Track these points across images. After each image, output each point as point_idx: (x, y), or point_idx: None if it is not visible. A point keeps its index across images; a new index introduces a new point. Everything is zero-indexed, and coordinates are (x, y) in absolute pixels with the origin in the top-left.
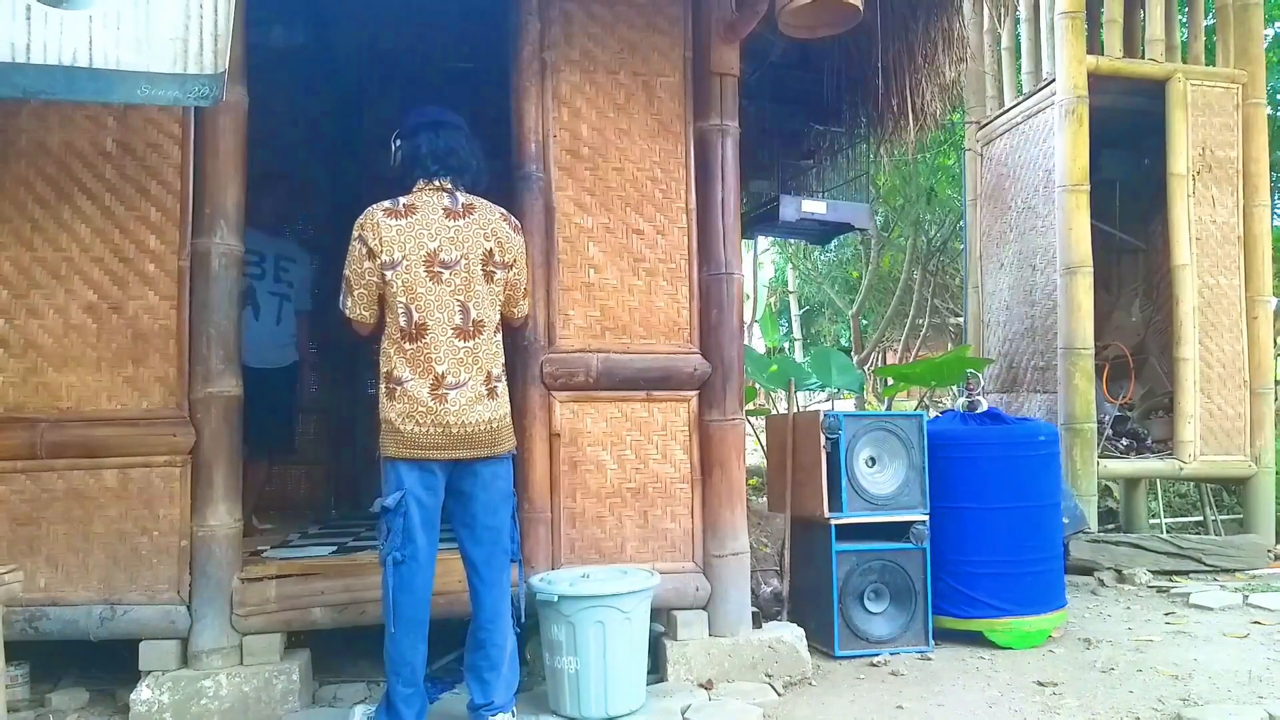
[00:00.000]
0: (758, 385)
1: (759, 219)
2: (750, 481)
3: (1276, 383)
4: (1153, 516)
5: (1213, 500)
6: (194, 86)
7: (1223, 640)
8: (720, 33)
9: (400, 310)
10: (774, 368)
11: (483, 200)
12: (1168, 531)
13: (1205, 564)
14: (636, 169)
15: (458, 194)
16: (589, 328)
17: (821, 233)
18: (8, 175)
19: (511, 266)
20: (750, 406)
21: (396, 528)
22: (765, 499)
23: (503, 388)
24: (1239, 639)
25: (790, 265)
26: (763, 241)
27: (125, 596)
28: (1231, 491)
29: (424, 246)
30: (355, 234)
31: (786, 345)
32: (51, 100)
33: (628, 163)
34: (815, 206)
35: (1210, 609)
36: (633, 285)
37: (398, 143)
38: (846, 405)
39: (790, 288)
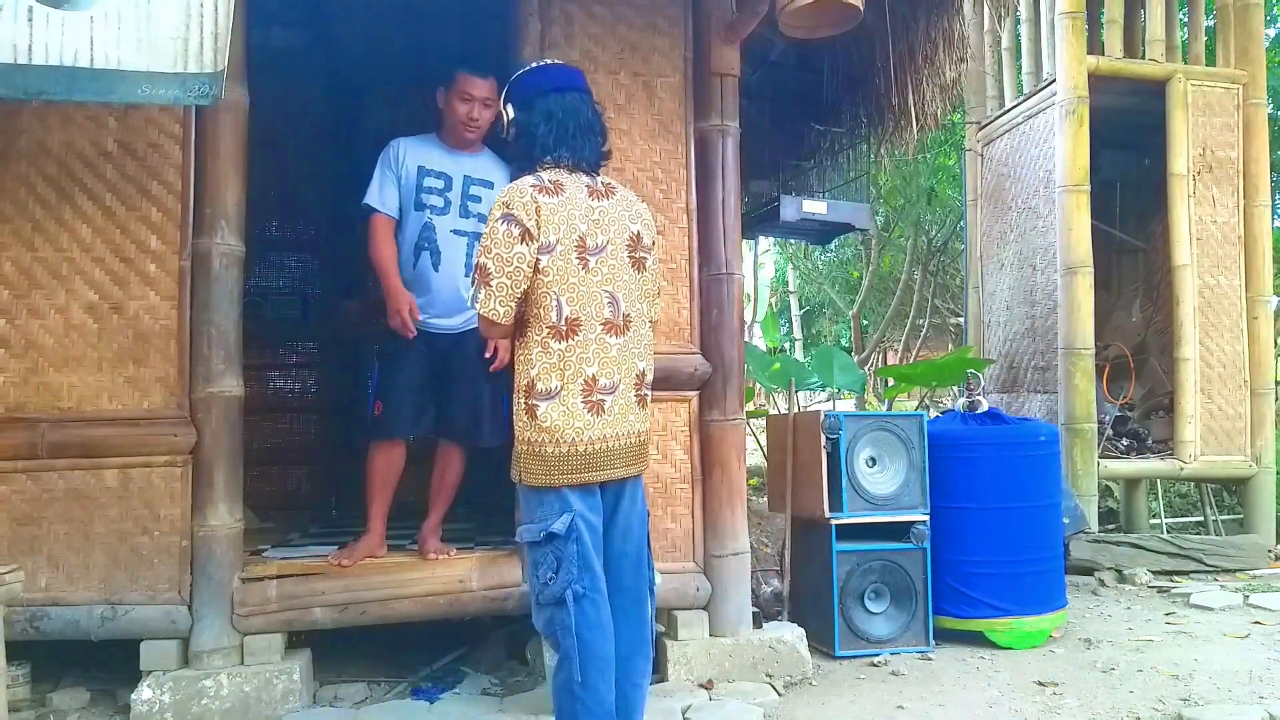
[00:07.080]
0: (757, 385)
1: (759, 219)
2: (750, 481)
3: (1277, 383)
4: (1153, 516)
5: (1213, 500)
6: (194, 85)
7: (1223, 640)
8: (720, 33)
9: (552, 304)
10: (777, 366)
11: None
12: (1168, 531)
13: (1206, 564)
14: (637, 169)
15: (595, 173)
16: None
17: (822, 233)
18: (9, 175)
19: (650, 254)
20: (750, 407)
21: (570, 556)
22: (765, 499)
23: (649, 396)
24: (1239, 639)
25: (790, 265)
26: (763, 241)
27: (126, 596)
28: (1232, 491)
29: (575, 229)
30: (498, 214)
31: (787, 345)
32: (53, 101)
33: (628, 163)
34: (816, 206)
35: (1211, 609)
36: None
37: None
38: (847, 405)
39: (790, 288)
